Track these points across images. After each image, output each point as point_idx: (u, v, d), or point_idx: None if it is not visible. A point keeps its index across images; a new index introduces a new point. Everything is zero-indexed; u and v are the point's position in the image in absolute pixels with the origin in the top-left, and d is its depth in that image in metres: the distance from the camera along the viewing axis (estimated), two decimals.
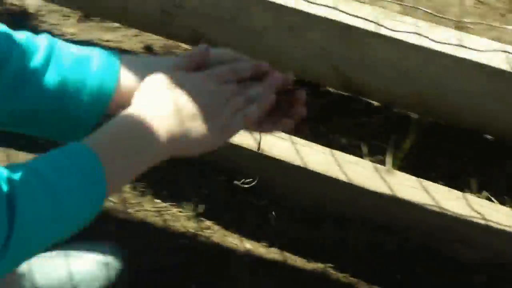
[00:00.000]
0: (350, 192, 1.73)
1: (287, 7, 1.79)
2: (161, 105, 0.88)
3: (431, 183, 1.72)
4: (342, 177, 1.72)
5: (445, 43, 1.69)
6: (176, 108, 0.87)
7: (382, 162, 1.89)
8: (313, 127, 1.95)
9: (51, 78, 0.93)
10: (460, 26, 2.17)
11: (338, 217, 1.80)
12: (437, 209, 1.66)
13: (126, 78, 0.96)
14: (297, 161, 1.76)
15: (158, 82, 0.90)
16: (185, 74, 0.93)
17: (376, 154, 1.94)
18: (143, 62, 0.98)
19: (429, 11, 2.13)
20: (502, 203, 1.77)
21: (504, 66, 1.64)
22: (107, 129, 0.87)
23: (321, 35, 1.79)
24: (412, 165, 1.92)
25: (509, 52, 1.65)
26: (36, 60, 0.93)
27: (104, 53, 0.98)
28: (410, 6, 2.17)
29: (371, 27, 1.74)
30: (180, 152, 0.90)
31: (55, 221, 0.77)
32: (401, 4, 2.20)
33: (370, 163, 1.76)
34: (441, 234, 1.71)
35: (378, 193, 1.69)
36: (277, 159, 1.77)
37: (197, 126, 0.88)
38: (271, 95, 0.94)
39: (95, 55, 0.97)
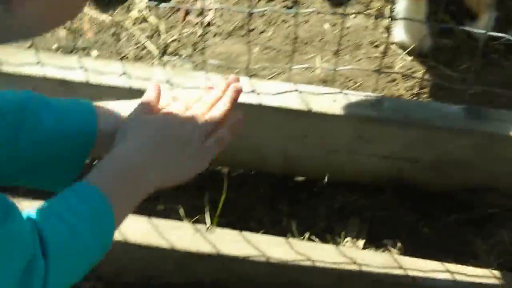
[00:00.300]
0: (174, 258, 1.70)
1: (79, 82, 1.77)
2: (143, 147, 1.02)
3: (253, 234, 1.74)
4: (164, 244, 1.69)
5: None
6: (155, 147, 1.03)
7: (203, 221, 1.90)
8: None
9: (41, 128, 1.09)
10: (251, 74, 2.28)
11: (166, 286, 1.76)
12: (262, 259, 1.68)
13: (104, 123, 1.11)
14: (115, 235, 1.70)
15: (133, 126, 1.05)
16: (151, 116, 1.08)
17: (194, 215, 1.93)
18: (115, 108, 1.14)
19: (215, 62, 2.21)
20: (325, 241, 1.85)
21: (297, 105, 1.74)
22: (109, 171, 1.00)
23: None
24: (232, 218, 1.95)
25: (300, 91, 1.75)
26: (25, 114, 1.08)
27: (81, 103, 1.13)
28: (200, 62, 2.23)
29: (165, 87, 1.75)
30: (167, 183, 1.06)
31: (78, 259, 0.94)
32: (193, 62, 2.26)
33: (189, 225, 1.74)
34: (270, 282, 1.73)
35: (202, 253, 1.67)
36: None
37: (176, 158, 1.04)
38: (239, 115, 1.17)
39: (75, 105, 1.12)
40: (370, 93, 1.83)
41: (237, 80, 1.19)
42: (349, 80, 2.30)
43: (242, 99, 1.72)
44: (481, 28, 2.23)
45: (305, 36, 2.45)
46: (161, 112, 1.10)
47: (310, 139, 1.86)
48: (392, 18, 2.13)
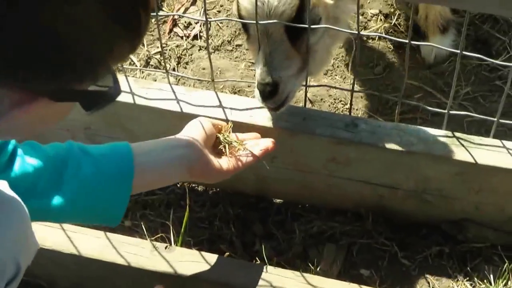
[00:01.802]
0: (130, 275, 1.79)
1: None
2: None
3: (214, 255, 1.81)
4: (120, 260, 1.79)
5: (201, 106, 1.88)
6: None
7: (166, 239, 2.00)
8: None
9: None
10: (237, 90, 2.39)
11: None
12: (222, 281, 1.76)
13: (142, 162, 1.54)
14: (70, 249, 1.80)
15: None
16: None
17: (160, 232, 2.03)
18: (151, 144, 1.61)
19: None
20: (296, 268, 1.92)
21: (265, 122, 1.84)
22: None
23: None
24: (201, 239, 2.03)
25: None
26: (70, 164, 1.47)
27: (118, 146, 1.55)
28: (183, 76, 2.35)
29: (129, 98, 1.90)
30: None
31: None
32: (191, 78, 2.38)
33: (148, 242, 1.84)
34: None
35: (158, 272, 1.76)
36: (50, 250, 1.79)
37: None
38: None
39: (112, 149, 1.53)
40: (346, 114, 1.92)
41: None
42: (339, 101, 2.40)
43: (209, 113, 1.86)
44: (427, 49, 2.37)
45: None
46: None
47: (281, 159, 1.96)
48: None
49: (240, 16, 1.79)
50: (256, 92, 1.78)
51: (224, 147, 1.70)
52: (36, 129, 1.04)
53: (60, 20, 0.83)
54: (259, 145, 1.74)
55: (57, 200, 1.43)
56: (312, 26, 1.69)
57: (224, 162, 1.67)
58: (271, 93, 1.73)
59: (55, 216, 1.48)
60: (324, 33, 1.79)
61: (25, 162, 1.43)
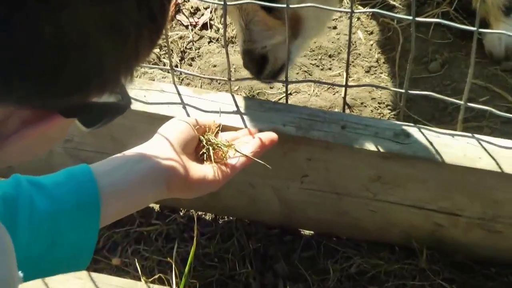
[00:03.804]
0: None
1: None
2: None
3: None
4: None
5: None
6: None
7: (166, 281, 2.00)
8: None
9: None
10: (256, 92, 2.39)
11: None
12: None
13: (108, 185, 1.52)
14: None
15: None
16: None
17: (159, 272, 2.03)
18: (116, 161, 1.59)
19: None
20: None
21: (293, 131, 1.85)
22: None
23: None
24: (210, 280, 2.03)
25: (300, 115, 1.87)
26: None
27: (75, 172, 1.52)
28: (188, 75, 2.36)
29: None
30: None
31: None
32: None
33: (143, 285, 1.84)
34: None
35: None
36: None
37: None
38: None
39: (68, 177, 1.50)
40: (395, 121, 1.91)
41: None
42: (385, 106, 2.40)
43: (227, 121, 1.87)
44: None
45: (330, 46, 2.57)
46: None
47: (313, 178, 1.96)
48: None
49: None
50: None
51: (208, 150, 1.69)
52: (41, 150, 1.10)
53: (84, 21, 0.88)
54: (252, 142, 1.75)
55: None
56: (291, 6, 1.73)
57: (210, 170, 1.66)
58: (260, 67, 1.91)
59: None
60: None
61: None
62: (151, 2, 0.95)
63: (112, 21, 0.90)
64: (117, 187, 1.53)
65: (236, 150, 1.69)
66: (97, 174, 1.51)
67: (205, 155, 1.69)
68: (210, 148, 1.69)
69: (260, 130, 1.81)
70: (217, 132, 1.75)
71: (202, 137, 1.71)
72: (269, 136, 1.77)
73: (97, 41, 0.90)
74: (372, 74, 2.46)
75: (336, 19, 2.58)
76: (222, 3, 1.74)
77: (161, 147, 1.62)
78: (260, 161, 1.71)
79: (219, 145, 1.69)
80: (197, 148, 1.71)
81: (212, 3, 1.86)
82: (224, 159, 1.68)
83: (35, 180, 1.48)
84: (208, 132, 1.73)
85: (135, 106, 1.93)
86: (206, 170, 1.65)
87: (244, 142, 1.75)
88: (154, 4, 0.96)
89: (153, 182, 1.57)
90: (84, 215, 1.48)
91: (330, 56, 2.54)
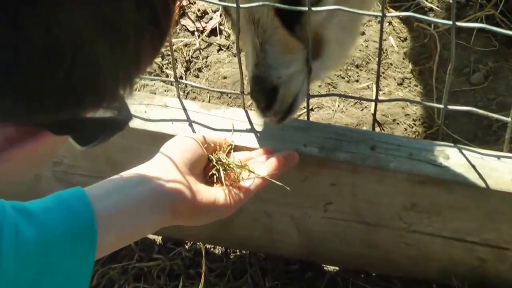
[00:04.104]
0: None
1: None
2: None
3: None
4: None
5: None
6: None
7: None
8: None
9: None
10: None
11: None
12: None
13: (105, 208, 1.52)
14: None
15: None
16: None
17: None
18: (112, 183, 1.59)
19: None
20: None
21: (316, 151, 1.86)
22: None
23: None
24: None
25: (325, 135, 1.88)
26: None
27: (65, 197, 1.50)
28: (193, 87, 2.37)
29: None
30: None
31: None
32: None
33: None
34: None
35: None
36: None
37: None
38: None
39: (58, 202, 1.49)
40: (431, 141, 1.92)
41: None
42: (420, 123, 2.41)
43: (239, 140, 1.88)
44: None
45: (358, 55, 2.58)
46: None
47: (338, 206, 1.97)
48: None
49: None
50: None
51: (218, 171, 1.70)
52: (28, 171, 1.10)
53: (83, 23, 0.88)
54: (268, 161, 1.75)
55: None
56: (314, 9, 1.66)
57: (221, 193, 1.67)
58: (269, 102, 1.75)
59: None
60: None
61: None
62: (153, 1, 0.95)
63: (109, 22, 0.90)
64: (115, 212, 1.53)
65: (250, 171, 1.70)
66: (92, 197, 1.50)
67: (215, 176, 1.70)
68: (221, 168, 1.69)
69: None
70: (229, 152, 1.76)
71: (211, 156, 1.72)
72: (288, 155, 1.77)
73: (92, 45, 0.89)
74: (406, 87, 2.47)
75: (365, 23, 2.60)
76: (234, 5, 1.68)
77: (164, 167, 1.63)
78: (277, 182, 1.71)
79: (231, 166, 1.70)
80: (205, 168, 1.72)
81: (222, 5, 1.77)
82: (237, 181, 1.69)
83: (20, 206, 1.47)
84: (219, 150, 1.74)
85: (135, 123, 1.94)
86: (216, 194, 1.66)
87: (259, 162, 1.75)
88: (156, 3, 0.96)
89: (155, 206, 1.58)
90: (77, 243, 1.46)
91: (357, 66, 2.55)
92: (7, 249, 1.39)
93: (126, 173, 1.61)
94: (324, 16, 1.73)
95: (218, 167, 1.70)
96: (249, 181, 1.70)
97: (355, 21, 1.89)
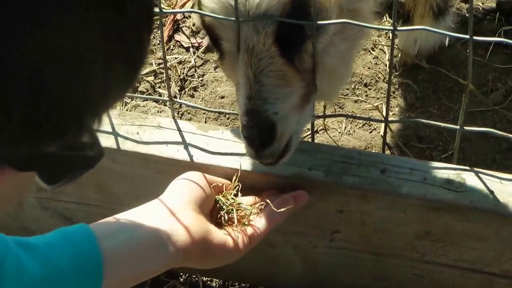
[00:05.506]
0: None
1: None
2: None
3: None
4: None
5: None
6: None
7: None
8: None
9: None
10: None
11: None
12: None
13: (112, 245, 1.55)
14: None
15: None
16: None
17: None
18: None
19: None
20: None
21: (320, 176, 1.87)
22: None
23: None
24: None
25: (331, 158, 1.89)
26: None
27: (70, 232, 1.55)
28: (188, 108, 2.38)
29: None
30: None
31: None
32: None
33: None
34: None
35: None
36: None
37: None
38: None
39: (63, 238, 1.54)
40: (446, 164, 1.93)
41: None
42: (434, 147, 2.42)
43: (238, 165, 1.89)
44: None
45: (366, 73, 2.59)
46: None
47: (345, 235, 1.97)
48: None
49: (204, 25, 1.77)
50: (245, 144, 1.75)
51: (228, 213, 1.73)
52: None
53: (48, 56, 0.87)
54: (276, 202, 1.76)
55: None
56: (320, 23, 1.65)
57: (231, 236, 1.70)
58: (265, 140, 1.70)
59: None
60: (335, 36, 1.77)
61: None
62: (123, 27, 0.93)
63: (69, 50, 0.88)
64: (122, 251, 1.55)
65: (259, 213, 1.73)
66: (98, 235, 1.53)
67: (222, 218, 1.73)
68: (234, 209, 1.73)
69: (282, 178, 1.82)
70: (236, 193, 1.78)
71: (220, 198, 1.75)
72: (297, 195, 1.79)
73: (49, 74, 0.88)
74: (418, 107, 2.49)
75: (367, 50, 2.61)
76: (234, 18, 1.66)
77: (175, 206, 1.66)
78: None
79: (242, 206, 1.74)
80: (212, 209, 1.75)
81: (220, 18, 1.72)
82: (246, 223, 1.72)
83: (23, 241, 1.50)
84: (226, 191, 1.77)
85: (126, 145, 1.95)
86: (227, 236, 1.69)
87: (266, 203, 1.77)
88: (127, 31, 0.95)
89: (166, 248, 1.60)
90: (83, 280, 1.49)
91: (365, 85, 2.56)
92: (8, 283, 1.42)
93: (136, 210, 1.64)
94: (322, 46, 1.74)
95: (226, 208, 1.73)
96: (260, 223, 1.73)
97: (352, 50, 1.91)
